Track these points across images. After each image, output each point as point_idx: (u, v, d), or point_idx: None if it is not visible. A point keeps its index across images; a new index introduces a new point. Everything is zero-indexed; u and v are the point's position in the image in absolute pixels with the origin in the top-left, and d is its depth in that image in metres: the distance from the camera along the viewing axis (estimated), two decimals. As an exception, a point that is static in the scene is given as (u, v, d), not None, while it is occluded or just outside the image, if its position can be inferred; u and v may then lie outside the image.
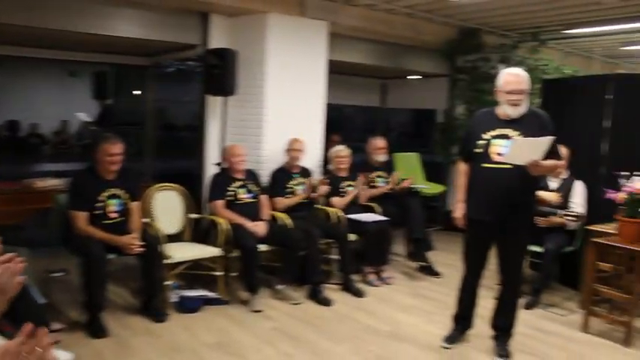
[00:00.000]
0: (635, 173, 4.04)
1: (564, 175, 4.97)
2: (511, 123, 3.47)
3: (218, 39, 5.52)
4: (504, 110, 3.50)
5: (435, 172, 7.81)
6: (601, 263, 4.31)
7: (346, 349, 3.75)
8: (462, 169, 3.76)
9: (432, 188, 6.74)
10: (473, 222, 3.66)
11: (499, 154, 3.43)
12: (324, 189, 5.20)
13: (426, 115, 9.01)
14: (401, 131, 10.21)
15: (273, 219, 4.94)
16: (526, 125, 3.44)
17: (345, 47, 6.49)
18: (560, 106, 5.35)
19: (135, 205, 4.27)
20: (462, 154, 3.80)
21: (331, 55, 5.88)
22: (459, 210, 3.73)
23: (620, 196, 4.04)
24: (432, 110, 8.52)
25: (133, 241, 3.96)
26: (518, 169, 3.35)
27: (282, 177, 5.17)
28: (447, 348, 3.82)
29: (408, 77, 8.53)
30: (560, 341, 4.06)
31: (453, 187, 7.50)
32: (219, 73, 5.16)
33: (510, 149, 3.33)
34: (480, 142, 3.52)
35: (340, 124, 9.87)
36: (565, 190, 4.92)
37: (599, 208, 4.74)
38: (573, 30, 6.82)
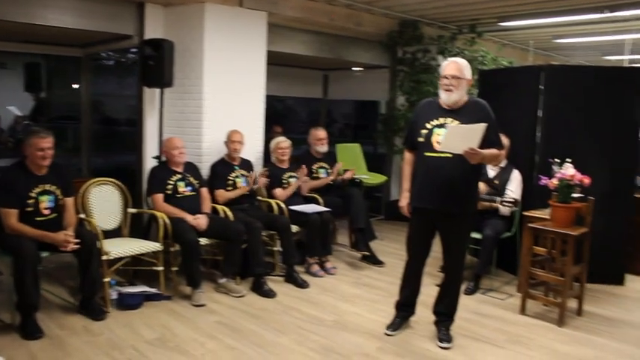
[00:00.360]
0: (566, 160, 4.18)
1: (503, 163, 5.10)
2: (452, 112, 3.52)
3: (154, 29, 5.38)
4: (440, 96, 3.56)
5: (378, 162, 7.91)
6: (536, 247, 4.46)
7: (290, 340, 3.75)
8: (406, 158, 3.81)
9: (374, 178, 6.81)
10: (417, 210, 3.70)
11: (439, 143, 3.47)
12: (263, 180, 5.17)
13: (369, 107, 9.08)
14: (344, 122, 10.23)
15: (215, 212, 4.88)
16: (466, 114, 3.49)
17: (285, 38, 6.45)
18: (496, 96, 5.47)
19: (69, 201, 4.12)
20: (407, 144, 3.84)
21: (271, 46, 5.83)
22: (404, 199, 3.78)
23: (553, 182, 4.18)
24: (374, 101, 8.59)
25: (67, 237, 3.83)
26: (459, 157, 3.38)
27: (223, 169, 5.10)
28: (391, 335, 3.86)
29: (353, 69, 8.56)
30: (499, 324, 4.17)
31: (395, 177, 7.63)
32: (155, 65, 5.04)
33: (445, 137, 3.36)
34: (423, 131, 3.57)
35: (283, 115, 9.84)
36: (502, 177, 5.04)
37: (535, 195, 4.89)
38: (508, 22, 6.99)
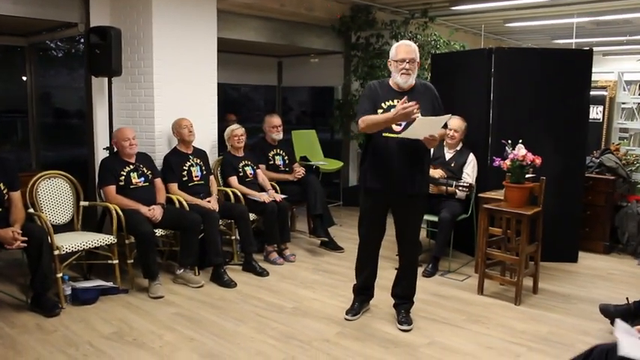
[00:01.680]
0: (518, 141, 4.25)
1: (459, 146, 5.16)
2: (404, 94, 3.53)
3: (100, 16, 5.21)
4: (395, 80, 3.56)
5: (335, 148, 7.91)
6: (492, 228, 4.53)
7: (250, 329, 3.72)
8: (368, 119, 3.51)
9: (331, 165, 6.80)
10: (371, 192, 3.68)
11: (398, 124, 3.48)
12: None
13: (325, 93, 9.06)
14: (301, 110, 10.19)
15: (170, 202, 4.79)
16: (417, 96, 3.51)
17: (236, 25, 6.35)
18: (449, 79, 5.53)
19: (15, 196, 3.97)
20: (364, 113, 3.53)
21: (222, 33, 5.73)
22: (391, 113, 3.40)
23: (506, 163, 4.24)
24: (330, 88, 8.58)
25: (13, 234, 3.69)
26: (416, 140, 3.44)
27: (176, 160, 5.00)
28: (351, 320, 3.87)
29: (311, 55, 8.52)
30: (458, 305, 4.23)
31: (352, 163, 7.65)
32: (102, 53, 4.88)
33: (412, 126, 3.36)
34: (380, 110, 3.54)
35: (239, 104, 9.72)
36: (459, 161, 5.10)
37: (490, 176, 4.97)
38: (459, 6, 7.05)
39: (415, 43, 7.01)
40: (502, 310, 4.14)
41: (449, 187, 4.94)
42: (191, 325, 3.76)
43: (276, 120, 5.77)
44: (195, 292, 4.39)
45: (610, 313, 3.77)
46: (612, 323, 3.78)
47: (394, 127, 3.49)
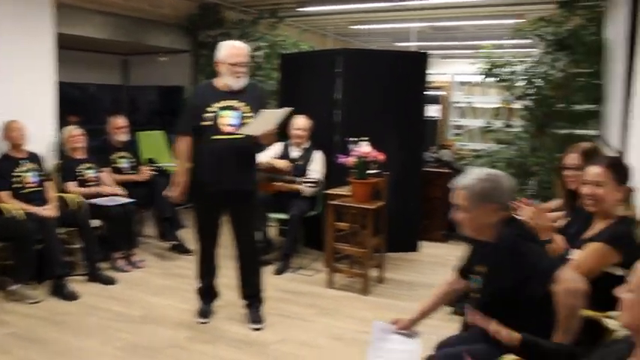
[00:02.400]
0: (362, 139, 4.43)
1: (306, 144, 5.25)
2: (233, 94, 3.56)
3: None
4: (226, 82, 3.55)
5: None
6: (339, 223, 4.68)
7: (96, 342, 3.52)
8: (183, 144, 3.63)
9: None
10: (205, 194, 3.63)
11: (230, 125, 3.50)
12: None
13: (175, 93, 8.81)
14: (148, 110, 9.81)
15: (0, 212, 4.38)
16: (247, 96, 3.57)
17: (76, 20, 5.95)
18: (297, 79, 5.64)
19: None
20: (185, 129, 3.65)
21: (61, 28, 5.35)
22: (176, 188, 3.64)
23: (350, 160, 4.40)
24: (179, 87, 8.36)
25: None
26: (247, 138, 3.49)
27: (7, 165, 4.57)
28: (203, 322, 3.82)
29: (159, 54, 8.22)
30: (309, 300, 4.32)
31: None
32: None
33: (256, 120, 3.41)
34: (207, 114, 3.52)
35: (82, 104, 9.14)
36: (305, 158, 5.20)
37: (336, 173, 5.12)
38: (307, 8, 7.21)
39: (264, 43, 7.10)
40: (351, 301, 4.30)
41: (296, 185, 5.02)
42: (29, 345, 3.47)
43: (121, 121, 5.51)
44: (33, 309, 4.05)
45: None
46: (451, 305, 4.06)
47: (223, 128, 3.50)
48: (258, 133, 3.46)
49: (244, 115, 3.54)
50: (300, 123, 5.15)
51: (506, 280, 2.12)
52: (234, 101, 3.54)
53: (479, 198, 2.18)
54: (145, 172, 5.56)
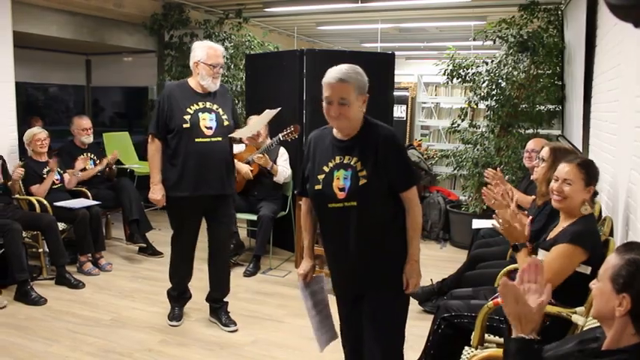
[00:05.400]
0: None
1: (268, 141, 5.20)
2: (208, 96, 3.54)
3: None
4: (202, 83, 3.51)
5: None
6: (309, 223, 4.68)
7: (64, 348, 3.46)
8: (155, 146, 3.55)
9: (146, 168, 6.52)
10: (183, 200, 3.56)
11: (208, 128, 3.47)
12: (17, 174, 4.63)
13: (141, 93, 8.70)
14: (114, 111, 9.67)
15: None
16: (219, 98, 3.58)
17: (35, 18, 5.82)
18: (263, 79, 5.63)
19: None
20: (157, 131, 3.53)
21: (19, 26, 5.25)
22: (159, 191, 3.56)
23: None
24: (144, 87, 8.27)
25: None
26: (225, 141, 3.50)
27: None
28: (175, 326, 3.79)
29: (123, 54, 8.11)
30: (280, 300, 4.33)
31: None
32: None
33: (248, 125, 3.47)
34: (186, 116, 3.46)
35: (45, 105, 8.97)
36: (271, 158, 5.17)
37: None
38: (272, 8, 7.19)
39: (230, 43, 7.07)
40: (322, 301, 4.31)
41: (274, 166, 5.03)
42: (-8, 351, 3.40)
43: (86, 122, 5.43)
44: (-3, 314, 3.97)
45: (417, 294, 4.10)
46: (420, 304, 4.14)
47: (205, 131, 3.47)
48: (246, 135, 3.51)
49: (221, 117, 3.53)
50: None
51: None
52: (209, 103, 3.52)
53: (360, 91, 2.41)
54: (104, 161, 5.48)
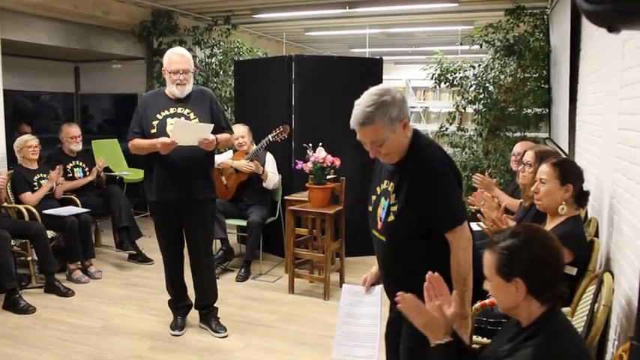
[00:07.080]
0: (318, 144, 4.47)
1: (253, 148, 5.19)
2: (180, 102, 3.55)
3: None
4: (171, 90, 3.54)
5: (139, 158, 7.59)
6: (299, 229, 4.71)
7: (53, 356, 3.45)
8: (135, 140, 3.57)
9: (135, 175, 6.54)
10: (160, 203, 3.59)
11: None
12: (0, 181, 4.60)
13: (127, 100, 8.69)
14: (103, 118, 9.64)
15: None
16: (194, 103, 3.57)
17: (22, 25, 5.79)
18: (252, 85, 5.64)
19: None
20: (136, 135, 3.57)
21: (7, 34, 5.24)
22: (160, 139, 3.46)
23: (308, 165, 4.45)
24: (133, 94, 8.26)
25: None
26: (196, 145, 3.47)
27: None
28: (177, 335, 3.75)
29: (112, 61, 8.09)
30: (270, 306, 4.33)
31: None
32: None
33: (172, 131, 3.40)
34: (154, 122, 3.51)
35: (33, 112, 8.92)
36: (259, 163, 5.17)
37: (295, 179, 5.16)
38: (261, 15, 7.22)
39: (219, 49, 7.08)
40: (312, 306, 4.33)
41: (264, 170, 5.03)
42: (-19, 360, 3.39)
43: (75, 130, 5.42)
44: (-15, 323, 3.95)
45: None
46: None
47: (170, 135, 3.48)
48: (191, 143, 3.42)
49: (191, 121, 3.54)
50: (239, 131, 5.11)
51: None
52: (181, 108, 3.53)
53: (393, 121, 2.01)
54: (94, 171, 5.47)
